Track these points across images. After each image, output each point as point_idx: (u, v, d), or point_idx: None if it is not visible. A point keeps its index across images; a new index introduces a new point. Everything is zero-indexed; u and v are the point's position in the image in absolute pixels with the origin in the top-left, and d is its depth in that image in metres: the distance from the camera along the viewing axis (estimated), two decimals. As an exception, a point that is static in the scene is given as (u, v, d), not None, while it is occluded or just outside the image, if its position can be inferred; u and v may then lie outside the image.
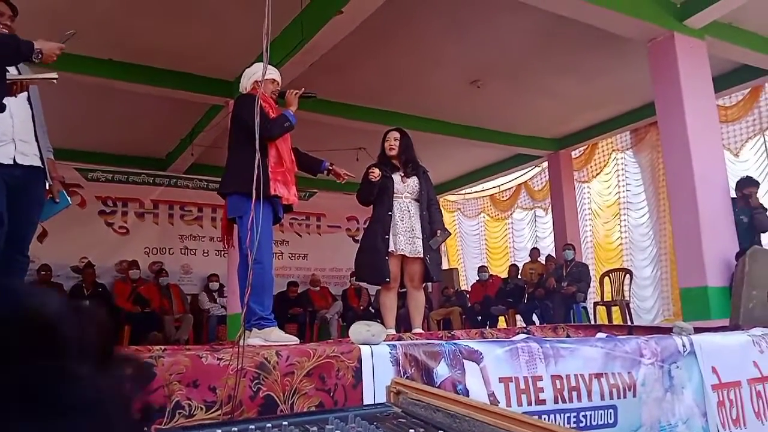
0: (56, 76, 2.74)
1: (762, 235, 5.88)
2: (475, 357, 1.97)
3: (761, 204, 5.81)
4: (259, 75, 3.64)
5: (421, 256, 4.09)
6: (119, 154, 9.32)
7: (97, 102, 7.37)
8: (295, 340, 3.38)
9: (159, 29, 5.86)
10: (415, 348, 1.93)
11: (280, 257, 9.57)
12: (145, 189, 9.15)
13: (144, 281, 8.19)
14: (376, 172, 4.08)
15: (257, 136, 2.21)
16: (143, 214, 9.09)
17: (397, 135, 4.36)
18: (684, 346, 2.49)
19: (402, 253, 4.07)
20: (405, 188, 4.21)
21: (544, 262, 9.18)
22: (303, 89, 3.77)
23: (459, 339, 3.11)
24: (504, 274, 9.89)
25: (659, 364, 2.39)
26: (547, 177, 10.17)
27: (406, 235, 4.10)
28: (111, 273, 8.34)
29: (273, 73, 3.81)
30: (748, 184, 5.86)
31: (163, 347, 2.67)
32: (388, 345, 1.94)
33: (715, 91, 6.03)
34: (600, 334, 3.03)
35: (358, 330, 1.95)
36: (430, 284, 7.05)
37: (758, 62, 6.63)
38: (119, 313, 7.30)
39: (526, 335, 2.59)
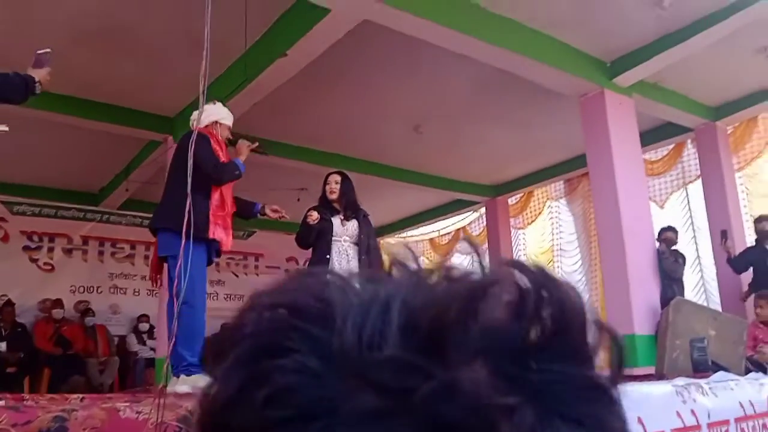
0: (6, 129, 2.70)
1: (683, 281, 6.17)
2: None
3: (673, 249, 6.09)
4: (216, 116, 3.66)
5: (358, 300, 4.06)
6: (48, 187, 8.94)
7: (27, 133, 7.07)
8: (225, 387, 3.27)
9: (97, 62, 5.74)
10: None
11: (215, 298, 9.29)
12: (74, 224, 8.77)
13: (68, 321, 7.78)
14: (315, 215, 4.07)
15: (189, 175, 2.13)
16: (71, 251, 8.70)
17: (338, 178, 4.36)
18: (611, 395, 2.53)
19: (338, 297, 4.03)
20: (344, 231, 4.20)
21: (480, 307, 9.28)
22: (256, 143, 3.78)
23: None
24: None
25: (587, 414, 2.42)
26: (485, 223, 10.38)
27: (343, 280, 4.06)
28: (33, 312, 7.87)
29: (227, 118, 3.79)
30: (665, 230, 6.21)
31: (82, 396, 2.53)
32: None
33: (642, 146, 6.36)
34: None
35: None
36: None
37: (681, 120, 7.05)
38: (38, 355, 6.91)
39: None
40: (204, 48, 1.64)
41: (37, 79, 2.58)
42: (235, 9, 4.48)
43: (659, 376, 3.83)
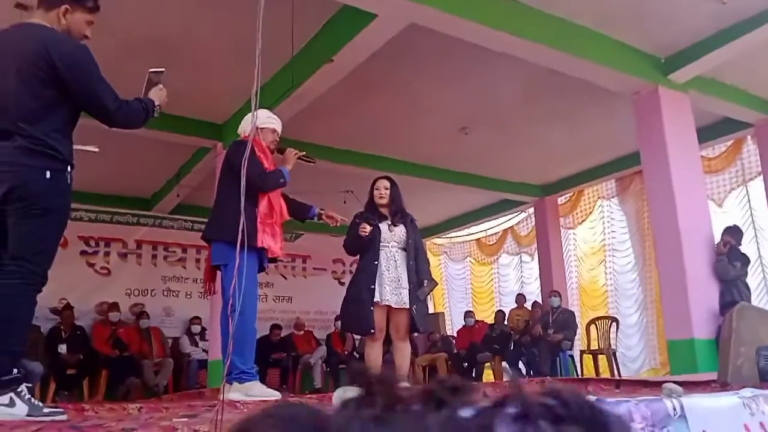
0: (97, 149, 2.75)
1: (747, 284, 5.82)
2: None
3: (727, 252, 5.65)
4: (260, 122, 3.61)
5: (407, 306, 4.02)
6: (103, 194, 9.18)
7: (82, 141, 7.30)
8: (276, 395, 3.28)
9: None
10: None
11: (264, 300, 9.43)
12: (128, 229, 9.03)
13: (124, 324, 8.00)
14: (367, 228, 4.02)
15: (242, 186, 2.14)
16: (126, 255, 8.95)
17: (387, 184, 4.32)
18: (674, 409, 2.43)
19: (387, 303, 4.00)
20: (392, 237, 4.17)
21: (530, 309, 9.13)
22: (304, 153, 3.78)
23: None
24: (489, 319, 9.80)
25: (650, 429, 2.33)
26: (534, 223, 10.21)
27: (392, 286, 4.03)
28: (91, 315, 8.13)
29: (275, 123, 3.77)
30: (724, 232, 5.81)
31: (139, 405, 2.57)
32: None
33: (699, 143, 6.10)
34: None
35: (342, 397, 1.88)
36: (415, 331, 6.94)
37: (740, 115, 6.76)
38: (96, 357, 7.12)
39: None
40: (256, 62, 1.64)
41: (157, 103, 2.56)
42: (282, 17, 4.50)
43: (722, 384, 3.68)
